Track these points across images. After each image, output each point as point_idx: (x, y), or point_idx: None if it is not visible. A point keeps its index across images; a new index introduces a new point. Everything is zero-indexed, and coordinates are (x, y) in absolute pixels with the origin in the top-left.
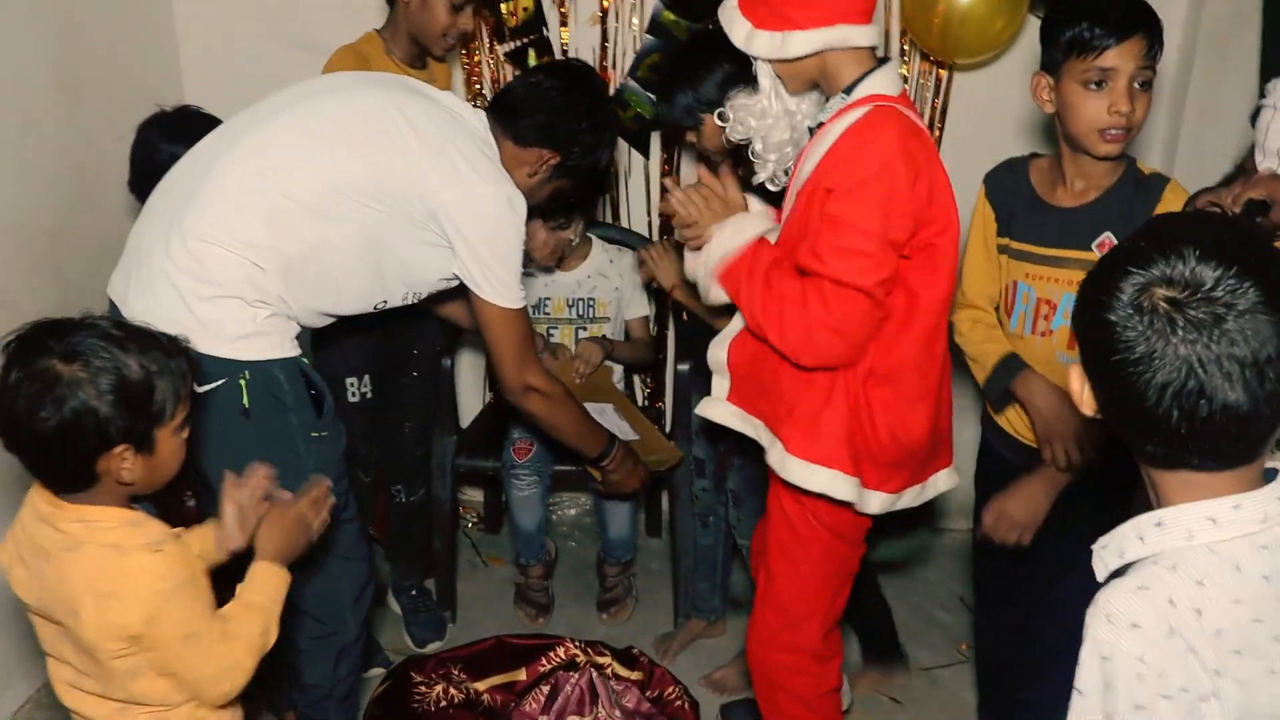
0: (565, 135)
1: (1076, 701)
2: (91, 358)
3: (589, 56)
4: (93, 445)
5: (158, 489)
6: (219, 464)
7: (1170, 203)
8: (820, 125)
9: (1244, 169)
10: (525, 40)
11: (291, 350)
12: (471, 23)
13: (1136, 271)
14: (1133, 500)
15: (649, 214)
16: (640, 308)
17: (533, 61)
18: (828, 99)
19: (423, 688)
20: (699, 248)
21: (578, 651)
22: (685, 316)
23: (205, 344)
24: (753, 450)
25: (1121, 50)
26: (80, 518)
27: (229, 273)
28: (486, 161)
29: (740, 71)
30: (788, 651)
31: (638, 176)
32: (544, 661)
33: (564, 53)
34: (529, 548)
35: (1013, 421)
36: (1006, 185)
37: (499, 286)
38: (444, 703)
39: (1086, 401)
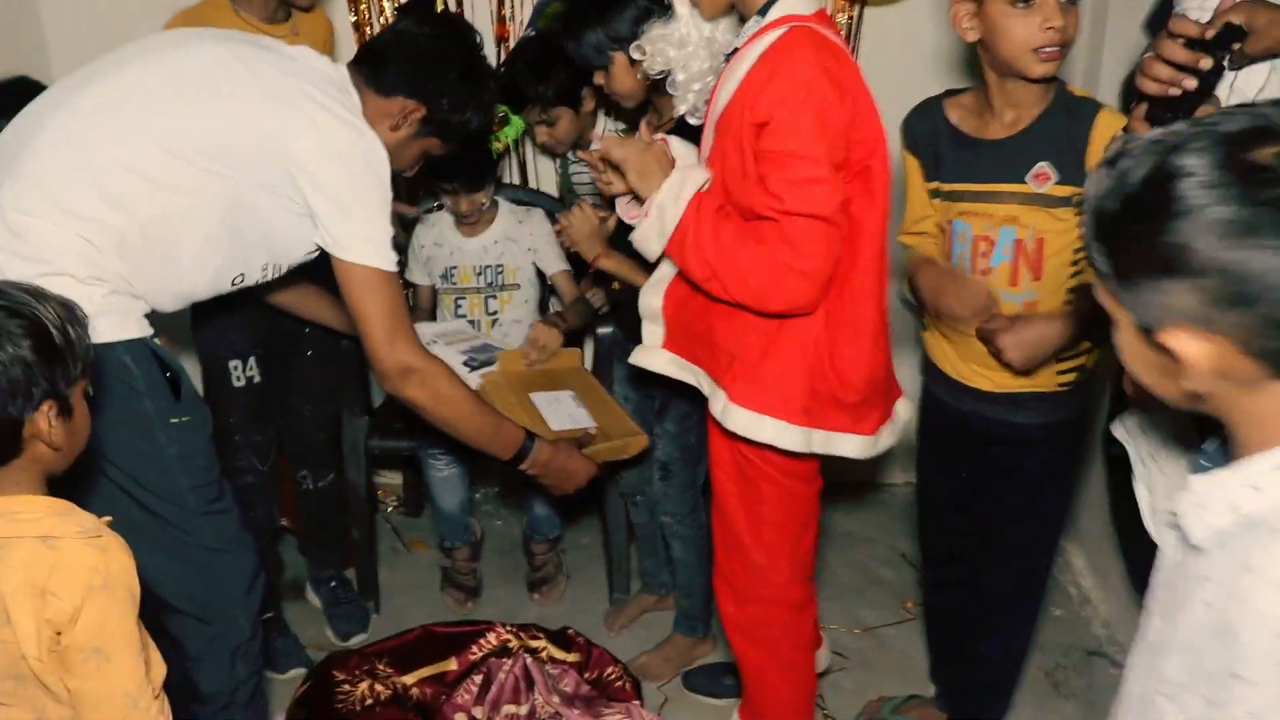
0: (431, 85)
1: (1243, 695)
2: (6, 303)
3: (486, 6)
4: (20, 404)
5: (68, 465)
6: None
7: (1104, 129)
8: (734, 51)
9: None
10: None
11: (138, 330)
12: None
13: (1212, 132)
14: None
15: (556, 173)
16: (560, 260)
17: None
18: (743, 22)
19: (346, 686)
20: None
21: (510, 636)
22: (616, 286)
23: None
24: (688, 398)
25: None
26: (3, 511)
27: (56, 249)
28: (344, 110)
29: (652, 6)
30: (756, 602)
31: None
32: (475, 649)
33: (459, 3)
34: (453, 530)
35: (950, 358)
36: (924, 129)
37: (363, 243)
38: (370, 700)
39: (1193, 351)
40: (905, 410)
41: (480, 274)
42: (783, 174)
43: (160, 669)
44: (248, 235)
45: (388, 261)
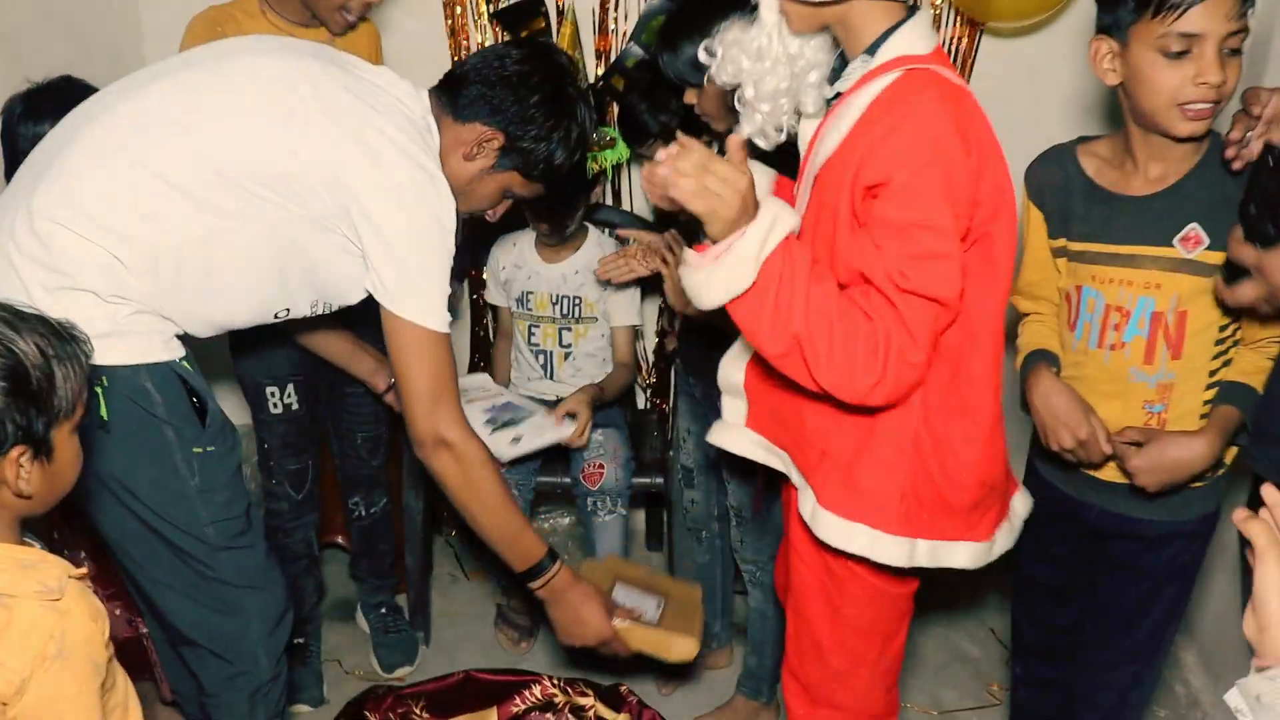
0: (511, 110)
1: None
2: None
3: (587, 16)
4: None
5: (49, 508)
6: (80, 484)
7: None
8: (838, 96)
9: None
10: None
11: (164, 353)
12: None
13: None
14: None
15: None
16: (628, 316)
17: (523, 21)
18: (845, 58)
19: None
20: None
21: (556, 691)
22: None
23: None
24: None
25: (1208, 9)
26: None
27: (80, 262)
28: (416, 147)
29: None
30: (829, 708)
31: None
32: (518, 701)
33: (560, 11)
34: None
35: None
36: (1053, 178)
37: (418, 299)
38: None
39: None
40: (1023, 506)
41: (557, 303)
42: (904, 247)
43: None
44: (295, 270)
45: (440, 322)
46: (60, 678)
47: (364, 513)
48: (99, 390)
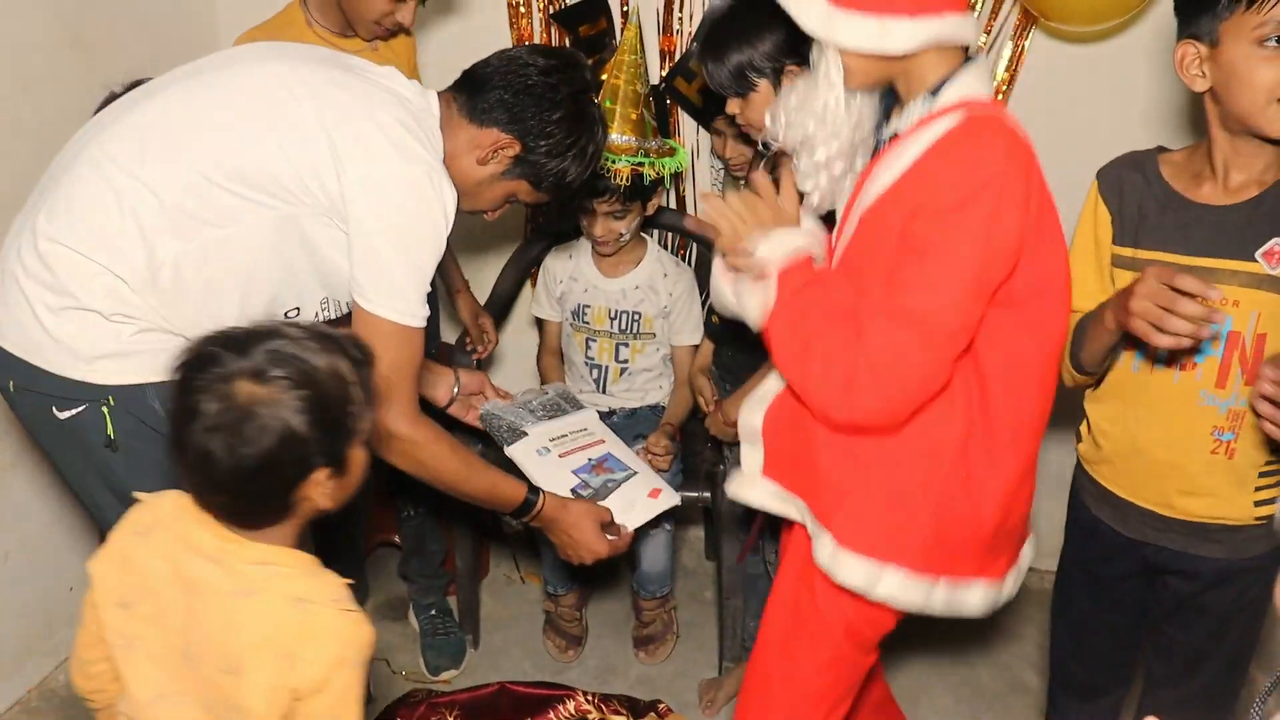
0: (531, 121)
1: None
2: (284, 371)
3: (652, 16)
4: (293, 474)
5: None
6: (93, 503)
7: None
8: (894, 137)
9: None
10: None
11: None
12: (411, 17)
13: None
14: None
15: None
16: (691, 335)
17: (585, 22)
18: (899, 102)
19: None
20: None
21: (590, 708)
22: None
23: (59, 364)
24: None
25: None
26: (259, 559)
27: (83, 282)
28: (412, 140)
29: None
30: None
31: (705, 159)
32: (551, 716)
33: (624, 12)
34: (557, 575)
35: (1126, 474)
36: (1131, 182)
37: (394, 297)
38: None
39: None
40: (1030, 554)
41: (615, 319)
42: (916, 264)
43: None
44: (299, 267)
45: (412, 317)
46: (351, 680)
47: (413, 512)
48: (104, 410)
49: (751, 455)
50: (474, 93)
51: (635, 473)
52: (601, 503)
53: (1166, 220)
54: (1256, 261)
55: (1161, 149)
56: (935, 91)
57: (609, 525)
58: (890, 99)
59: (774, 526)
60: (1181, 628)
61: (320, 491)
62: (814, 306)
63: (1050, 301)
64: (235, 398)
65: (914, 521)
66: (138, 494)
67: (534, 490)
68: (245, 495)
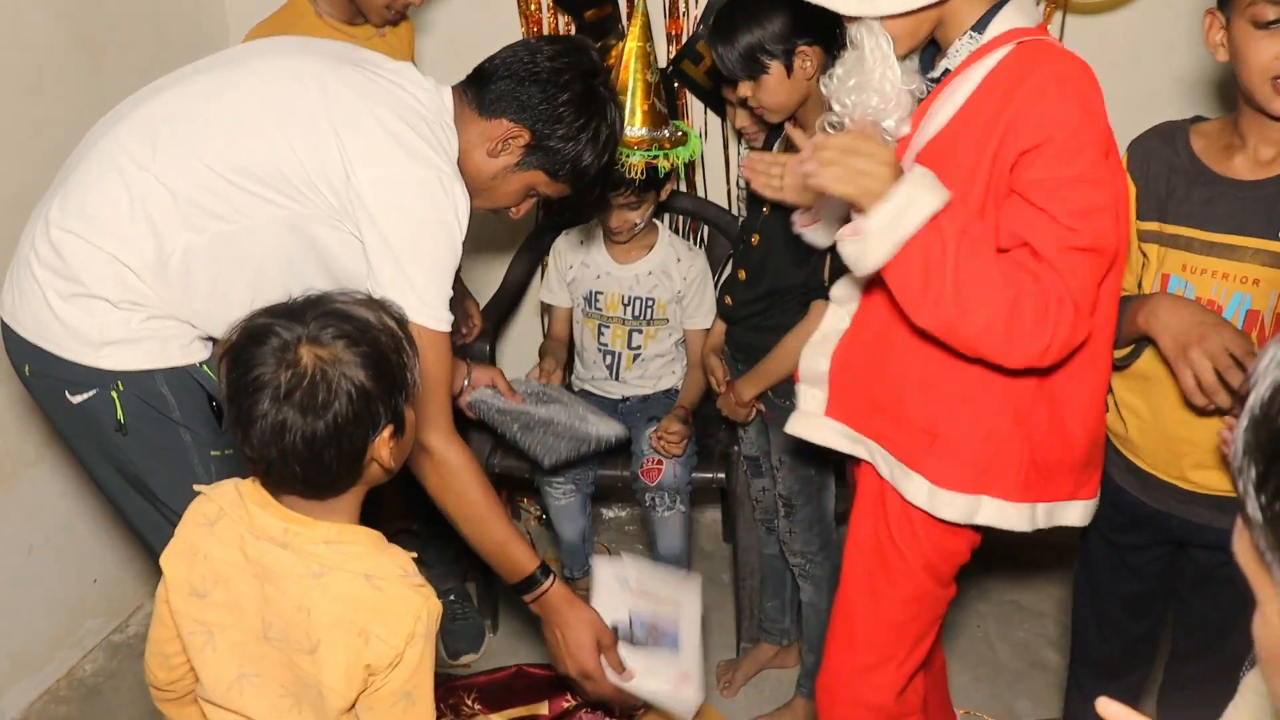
0: (540, 108)
1: None
2: (341, 329)
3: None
4: (364, 433)
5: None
6: (109, 487)
7: None
8: (945, 75)
9: None
10: None
11: (181, 358)
12: None
13: None
14: None
15: (728, 183)
16: (705, 318)
17: (591, 6)
18: (942, 48)
19: None
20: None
21: None
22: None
23: (70, 349)
24: (808, 449)
25: None
26: (326, 538)
27: (92, 270)
28: (422, 142)
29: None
30: (851, 704)
31: (714, 141)
32: (569, 697)
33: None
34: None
35: (1148, 445)
36: (1160, 156)
37: (415, 300)
38: None
39: None
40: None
41: (629, 305)
42: (1068, 204)
43: None
44: (309, 268)
45: (440, 321)
46: (423, 652)
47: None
48: (114, 395)
49: (813, 396)
50: (481, 86)
51: (679, 651)
52: (625, 651)
53: (1194, 195)
54: (1277, 240)
55: (1198, 118)
56: (980, 27)
57: (608, 650)
58: (931, 49)
59: (787, 502)
60: (1207, 599)
61: (386, 452)
62: (983, 244)
63: (1115, 221)
64: (302, 363)
65: (1006, 454)
66: (197, 486)
67: (545, 569)
68: (320, 462)
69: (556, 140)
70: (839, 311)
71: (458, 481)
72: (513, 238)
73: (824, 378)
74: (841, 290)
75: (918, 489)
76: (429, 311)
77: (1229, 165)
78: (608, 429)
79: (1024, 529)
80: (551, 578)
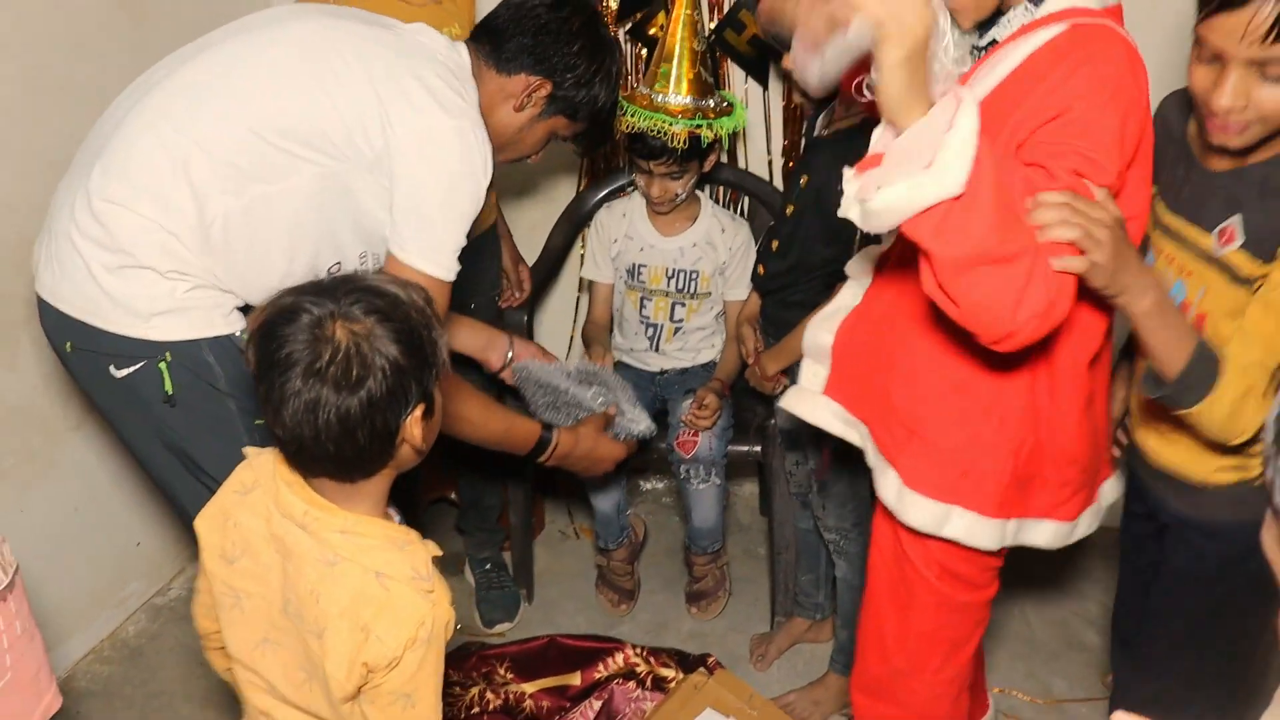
0: (555, 58)
1: None
2: (371, 305)
3: None
4: (397, 412)
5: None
6: (151, 460)
7: None
8: (992, 45)
9: None
10: None
11: (224, 327)
12: None
13: None
14: None
15: (769, 152)
16: (745, 290)
17: None
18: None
19: (457, 688)
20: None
21: (638, 660)
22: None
23: (117, 322)
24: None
25: (1227, 27)
26: (343, 528)
27: (138, 240)
28: (453, 94)
29: None
30: (892, 705)
31: (755, 109)
32: (600, 667)
33: None
34: (608, 530)
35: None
36: (1171, 121)
37: (433, 250)
38: (476, 709)
39: None
40: (1112, 492)
41: (672, 278)
42: (1072, 144)
43: None
44: (340, 222)
45: (445, 270)
46: (424, 658)
47: (471, 468)
48: (162, 366)
49: (814, 372)
50: (495, 44)
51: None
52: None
53: (1177, 172)
54: (1209, 235)
55: None
56: (1037, 1)
57: (611, 423)
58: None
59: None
60: (1178, 582)
61: (416, 431)
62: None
63: (1131, 230)
64: (335, 340)
65: (984, 465)
66: (246, 449)
67: (548, 427)
68: (353, 440)
69: (573, 86)
70: (853, 287)
71: (449, 402)
72: (555, 203)
73: (827, 353)
74: (857, 266)
75: (889, 485)
76: (441, 260)
77: (1206, 153)
78: (637, 425)
79: (990, 548)
80: (555, 432)
